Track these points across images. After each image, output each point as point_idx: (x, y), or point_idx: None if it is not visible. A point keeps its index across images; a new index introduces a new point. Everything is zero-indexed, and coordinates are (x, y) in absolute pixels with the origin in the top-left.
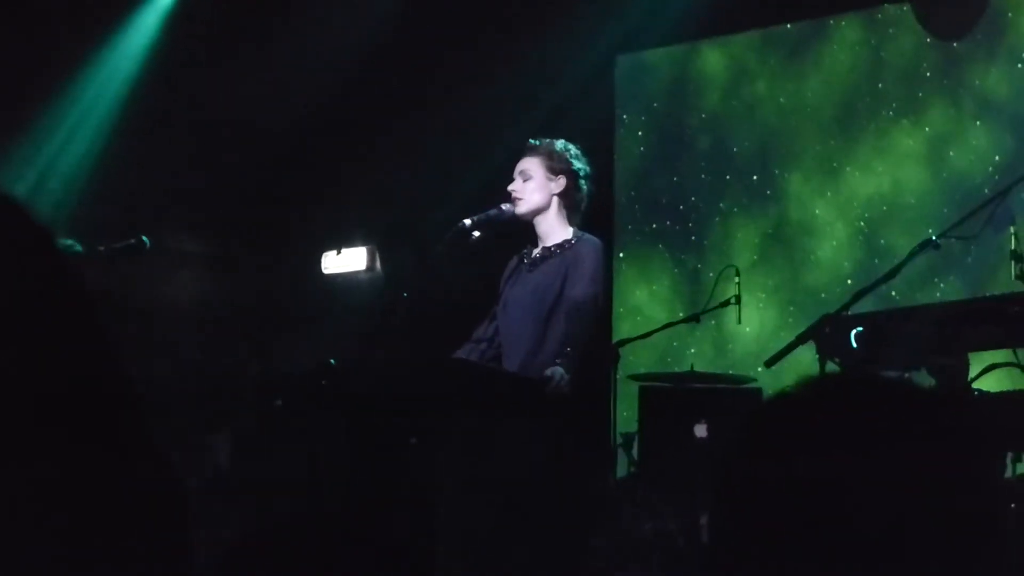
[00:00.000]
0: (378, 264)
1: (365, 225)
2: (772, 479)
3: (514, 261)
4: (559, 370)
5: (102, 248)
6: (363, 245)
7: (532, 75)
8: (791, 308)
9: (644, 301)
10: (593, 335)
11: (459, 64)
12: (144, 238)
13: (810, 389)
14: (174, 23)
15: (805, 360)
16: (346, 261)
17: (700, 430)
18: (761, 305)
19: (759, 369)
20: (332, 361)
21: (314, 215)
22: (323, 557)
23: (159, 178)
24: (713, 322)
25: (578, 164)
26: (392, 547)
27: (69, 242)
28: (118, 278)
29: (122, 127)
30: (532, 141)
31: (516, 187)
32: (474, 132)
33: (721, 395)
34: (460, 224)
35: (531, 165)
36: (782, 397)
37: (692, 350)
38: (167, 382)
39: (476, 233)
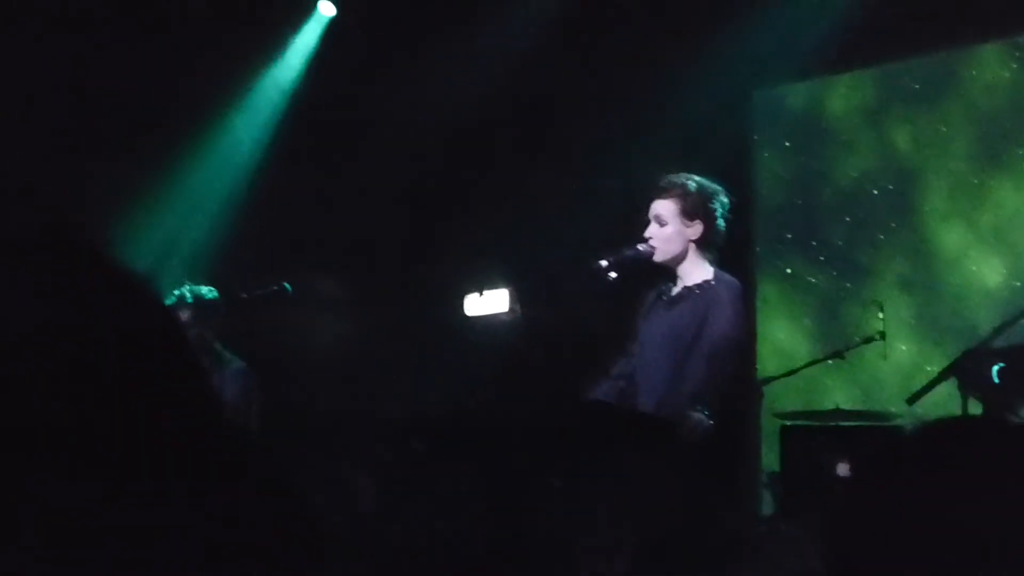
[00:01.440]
0: (519, 305)
1: (507, 266)
2: (889, 519)
3: (651, 296)
4: (701, 416)
5: (244, 295)
6: (505, 286)
7: (668, 112)
8: (937, 343)
9: (788, 338)
10: (734, 377)
11: (594, 99)
12: (286, 284)
13: (929, 432)
14: (311, 66)
15: (948, 397)
16: (488, 302)
17: (843, 468)
18: (906, 340)
19: (903, 407)
20: (469, 402)
21: (457, 256)
22: None
23: (299, 221)
24: (858, 359)
25: (715, 204)
26: None
27: (206, 289)
28: (259, 322)
29: (263, 172)
30: (664, 181)
31: (652, 233)
32: (611, 168)
33: (864, 433)
34: (596, 264)
35: (665, 210)
36: (902, 439)
37: (836, 387)
38: (311, 424)
39: (612, 274)
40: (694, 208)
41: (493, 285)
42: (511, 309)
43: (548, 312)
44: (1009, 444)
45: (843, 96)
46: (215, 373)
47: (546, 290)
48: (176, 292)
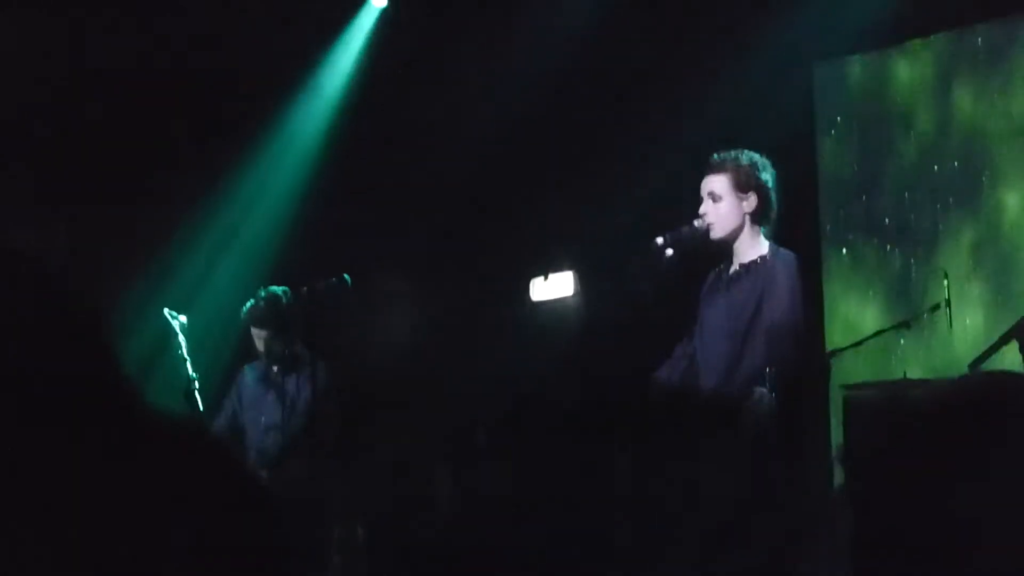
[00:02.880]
0: (583, 288)
1: (570, 249)
2: (914, 473)
3: (711, 276)
4: (763, 391)
5: (304, 289)
6: (569, 269)
7: (728, 88)
8: (1007, 310)
9: (856, 311)
10: (796, 352)
11: (654, 83)
12: (346, 276)
13: (958, 387)
14: (370, 59)
15: (1013, 361)
16: (554, 286)
17: None
18: (976, 308)
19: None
20: (530, 388)
21: (519, 242)
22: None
23: (360, 213)
24: (929, 328)
25: (766, 176)
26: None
27: (281, 290)
28: (327, 316)
29: (323, 166)
30: (715, 157)
31: (707, 209)
32: (671, 149)
33: None
34: (653, 242)
35: (718, 185)
36: (931, 394)
37: (907, 358)
38: (384, 414)
39: (669, 251)
40: (747, 181)
41: (558, 268)
42: (576, 292)
43: (610, 293)
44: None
45: (904, 66)
46: (297, 373)
47: (608, 271)
48: (254, 298)
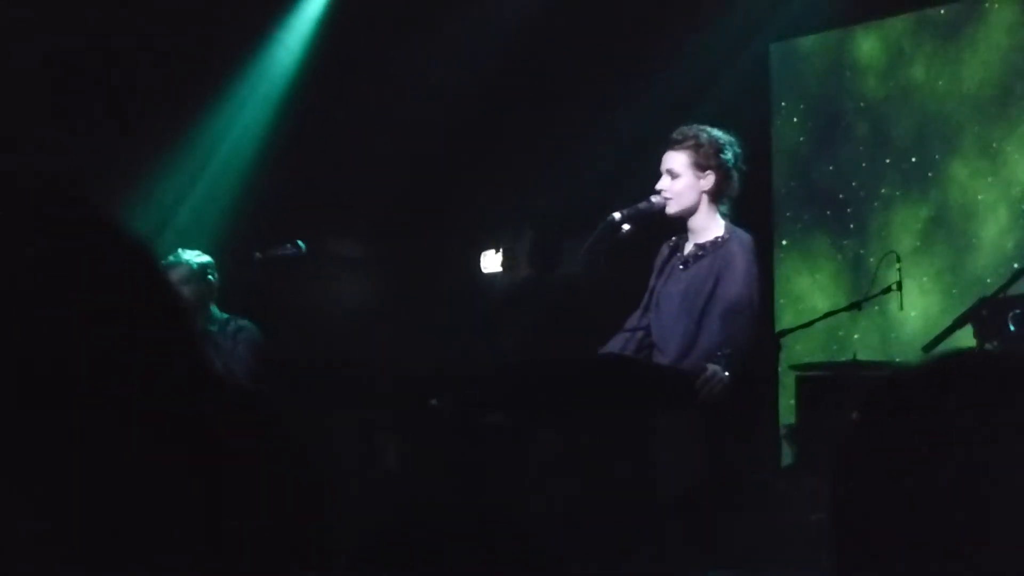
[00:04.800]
0: (534, 261)
1: (523, 222)
2: (888, 455)
3: (665, 251)
4: (717, 368)
5: (258, 255)
6: (517, 244)
7: (686, 67)
8: (955, 293)
9: (806, 290)
10: (751, 333)
11: (610, 57)
12: (300, 243)
13: (928, 366)
14: (326, 25)
15: (965, 344)
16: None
17: (857, 417)
18: (924, 291)
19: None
20: (489, 358)
21: (472, 214)
22: (484, 560)
23: (317, 184)
24: (876, 308)
25: (727, 155)
26: (559, 544)
27: (195, 252)
28: (280, 283)
29: (276, 133)
30: (677, 133)
31: (664, 185)
32: (627, 125)
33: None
34: (610, 218)
35: (677, 162)
36: (901, 374)
37: (858, 339)
38: (332, 385)
39: (626, 227)
40: (706, 159)
41: (509, 241)
42: (527, 265)
43: (562, 267)
44: (1015, 376)
45: (861, 49)
46: (225, 331)
47: (562, 245)
48: (169, 257)
